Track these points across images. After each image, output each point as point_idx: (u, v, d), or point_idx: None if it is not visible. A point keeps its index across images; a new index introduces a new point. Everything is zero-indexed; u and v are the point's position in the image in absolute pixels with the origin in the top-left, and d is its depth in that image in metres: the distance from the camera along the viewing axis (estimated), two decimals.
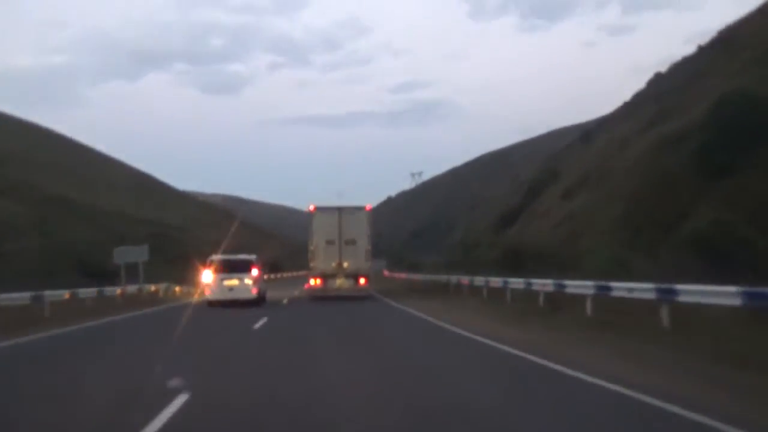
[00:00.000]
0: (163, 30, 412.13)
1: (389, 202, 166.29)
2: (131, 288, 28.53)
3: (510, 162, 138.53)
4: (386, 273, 56.20)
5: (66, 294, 20.99)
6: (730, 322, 9.24)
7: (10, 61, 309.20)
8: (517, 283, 17.94)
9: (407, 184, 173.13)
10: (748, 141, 20.66)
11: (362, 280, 24.73)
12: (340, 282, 24.43)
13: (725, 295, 8.98)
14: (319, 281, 24.69)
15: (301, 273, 74.98)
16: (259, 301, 22.11)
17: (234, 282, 21.73)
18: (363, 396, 6.52)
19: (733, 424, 4.87)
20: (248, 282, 21.82)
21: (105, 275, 33.76)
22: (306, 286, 26.89)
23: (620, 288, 12.05)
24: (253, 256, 23.63)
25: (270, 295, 25.37)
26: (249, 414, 5.70)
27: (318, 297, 24.51)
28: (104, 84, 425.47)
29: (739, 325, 8.98)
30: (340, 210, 25.04)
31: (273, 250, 71.72)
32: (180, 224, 65.53)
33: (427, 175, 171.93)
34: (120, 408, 6.08)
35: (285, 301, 24.28)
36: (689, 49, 53.31)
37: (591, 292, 13.16)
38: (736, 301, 8.73)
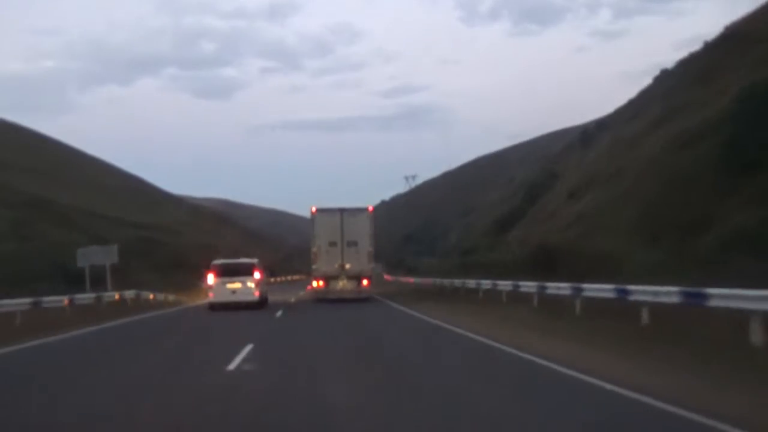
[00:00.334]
0: (155, 35, 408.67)
1: (383, 206, 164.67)
2: (83, 297, 23.03)
3: (504, 165, 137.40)
4: (388, 277, 54.66)
5: None
6: None
7: (0, 67, 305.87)
8: (554, 287, 15.87)
9: (401, 188, 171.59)
10: None
11: (365, 282, 24.59)
12: (342, 284, 24.30)
13: None
14: (321, 283, 24.57)
15: (296, 277, 73.36)
16: (261, 304, 22.53)
17: (237, 285, 22.04)
18: None
19: None
20: (251, 285, 22.14)
21: (91, 282, 31.81)
22: (308, 288, 27.00)
23: (720, 296, 9.39)
24: (255, 260, 23.87)
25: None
26: None
27: (321, 299, 24.58)
28: (96, 89, 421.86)
29: None
30: (342, 211, 24.79)
31: (266, 254, 69.70)
32: (170, 228, 63.51)
33: (421, 179, 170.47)
34: None
35: (279, 313, 19.71)
36: (679, 54, 52.49)
37: (675, 300, 10.55)
38: None
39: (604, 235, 22.91)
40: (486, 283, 22.23)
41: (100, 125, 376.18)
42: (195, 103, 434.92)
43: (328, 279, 24.49)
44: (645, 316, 11.37)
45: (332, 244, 24.39)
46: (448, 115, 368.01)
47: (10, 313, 16.56)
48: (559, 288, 15.59)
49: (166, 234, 56.47)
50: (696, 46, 43.17)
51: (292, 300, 26.77)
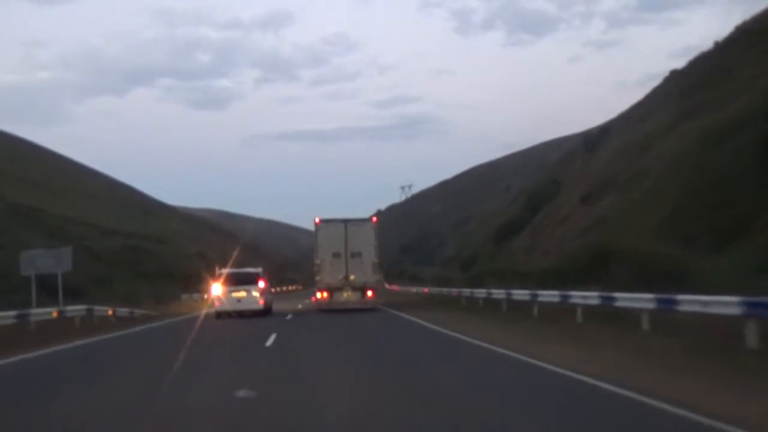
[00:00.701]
0: (150, 46, 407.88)
1: (379, 216, 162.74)
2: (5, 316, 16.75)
3: (500, 174, 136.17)
4: (395, 287, 53.23)
5: None
6: None
7: None
8: (630, 299, 12.70)
9: (397, 198, 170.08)
10: None
11: (369, 293, 24.39)
12: (347, 295, 24.12)
13: None
14: (325, 294, 24.38)
15: (292, 288, 71.50)
16: (265, 312, 23.05)
17: (242, 294, 22.69)
18: None
19: None
20: (255, 294, 22.77)
21: (71, 293, 29.64)
22: (312, 299, 26.81)
23: None
24: (259, 269, 24.53)
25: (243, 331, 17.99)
26: None
27: (325, 310, 24.33)
28: (91, 100, 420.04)
29: None
30: (346, 222, 24.73)
31: (261, 265, 67.59)
32: (160, 237, 61.36)
33: (417, 188, 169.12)
34: None
35: (269, 341, 13.83)
36: (677, 64, 52.22)
37: None
38: None
39: (634, 238, 21.04)
40: (520, 294, 19.17)
41: (95, 136, 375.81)
42: (190, 114, 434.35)
43: (332, 290, 24.23)
44: None
45: (336, 255, 24.21)
46: (443, 125, 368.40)
47: None
48: (638, 299, 12.43)
49: (156, 244, 54.34)
50: (689, 56, 42.72)
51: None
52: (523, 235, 49.27)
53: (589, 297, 14.59)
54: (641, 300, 12.35)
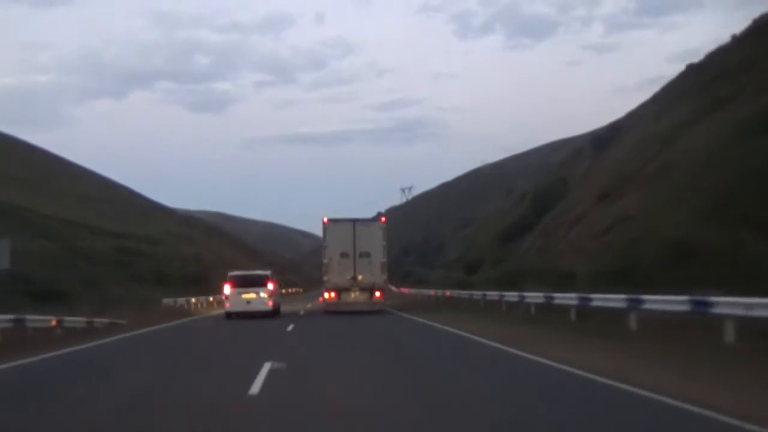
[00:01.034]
0: (149, 49, 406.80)
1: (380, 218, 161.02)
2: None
3: (501, 177, 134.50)
4: (404, 289, 51.72)
5: None
6: None
7: None
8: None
9: (397, 200, 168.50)
10: None
11: (377, 294, 24.21)
12: (354, 296, 24.00)
13: None
14: (333, 295, 24.24)
15: (291, 290, 69.63)
16: (274, 313, 23.56)
17: (251, 295, 23.31)
18: None
19: None
20: (264, 295, 23.41)
21: (55, 296, 27.71)
22: (320, 299, 26.99)
23: None
24: (268, 272, 25.27)
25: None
26: None
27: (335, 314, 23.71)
28: (90, 103, 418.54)
29: None
30: (354, 222, 24.66)
31: (259, 267, 65.81)
32: (157, 238, 59.37)
33: (417, 191, 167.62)
34: None
35: (261, 378, 8.74)
36: (678, 68, 51.67)
37: None
38: None
39: (669, 234, 19.18)
40: (608, 299, 14.86)
41: (94, 139, 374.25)
42: (189, 117, 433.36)
43: (339, 291, 24.07)
44: None
45: (344, 255, 24.00)
46: (442, 129, 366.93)
47: None
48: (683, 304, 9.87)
49: (150, 245, 52.35)
50: (691, 59, 41.63)
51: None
52: (532, 236, 47.52)
53: (734, 304, 10.46)
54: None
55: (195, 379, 9.17)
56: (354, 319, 21.18)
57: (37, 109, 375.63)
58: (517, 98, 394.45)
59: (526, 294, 20.42)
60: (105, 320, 21.70)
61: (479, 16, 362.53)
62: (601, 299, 15.17)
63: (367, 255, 23.94)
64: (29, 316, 17.07)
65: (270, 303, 23.46)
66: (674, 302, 12.24)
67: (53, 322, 18.64)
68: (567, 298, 17.23)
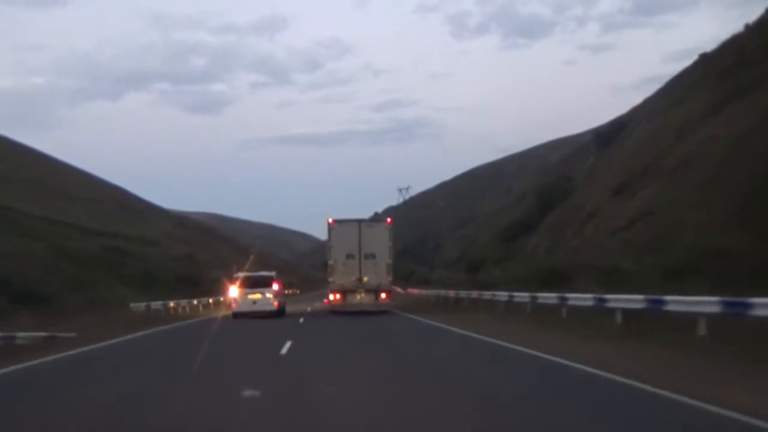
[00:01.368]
0: (145, 50, 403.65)
1: (378, 218, 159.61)
2: None
3: (499, 176, 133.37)
4: (411, 290, 50.20)
5: None
6: None
7: None
8: None
9: (394, 200, 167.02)
10: None
11: (383, 295, 24.04)
12: (360, 297, 23.83)
13: None
14: (338, 296, 24.13)
15: (288, 292, 68.02)
16: (279, 313, 24.23)
17: (257, 296, 23.70)
18: None
19: None
20: (269, 296, 23.82)
21: (38, 299, 25.91)
22: (325, 301, 27.14)
23: None
24: (273, 273, 25.83)
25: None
26: None
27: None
28: (85, 104, 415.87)
29: None
30: (360, 222, 24.68)
31: (254, 269, 64.04)
32: (148, 239, 57.60)
33: (414, 191, 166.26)
34: None
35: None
36: (676, 67, 50.46)
37: None
38: None
39: (700, 226, 17.67)
40: (620, 298, 13.17)
41: (89, 140, 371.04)
42: (185, 118, 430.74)
43: (345, 292, 23.94)
44: None
45: (350, 256, 23.84)
46: (439, 129, 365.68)
47: None
48: None
49: (142, 245, 50.59)
50: (688, 58, 40.28)
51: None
52: (538, 234, 46.02)
53: None
54: None
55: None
56: (359, 316, 22.50)
57: (32, 111, 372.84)
58: (513, 98, 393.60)
59: (569, 295, 16.25)
60: (41, 334, 15.16)
61: (475, 17, 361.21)
62: (680, 302, 11.70)
63: (373, 256, 23.73)
64: None
65: (275, 303, 23.93)
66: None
67: None
68: (632, 301, 13.10)
